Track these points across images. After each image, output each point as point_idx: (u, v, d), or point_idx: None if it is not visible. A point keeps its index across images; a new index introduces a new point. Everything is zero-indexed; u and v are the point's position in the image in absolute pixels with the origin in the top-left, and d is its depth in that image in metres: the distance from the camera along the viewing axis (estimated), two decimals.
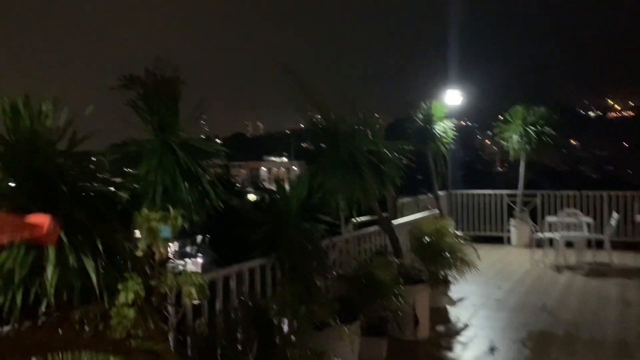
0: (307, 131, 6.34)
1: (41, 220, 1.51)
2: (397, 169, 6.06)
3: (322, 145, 5.96)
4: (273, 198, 4.59)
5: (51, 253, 2.65)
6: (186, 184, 4.02)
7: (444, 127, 10.31)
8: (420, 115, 10.27)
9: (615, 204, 10.74)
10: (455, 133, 10.61)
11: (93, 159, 3.78)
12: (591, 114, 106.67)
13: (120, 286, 2.64)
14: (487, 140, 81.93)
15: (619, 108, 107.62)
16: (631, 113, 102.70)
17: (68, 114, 3.03)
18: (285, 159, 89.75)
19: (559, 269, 9.26)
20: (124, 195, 3.03)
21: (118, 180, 3.34)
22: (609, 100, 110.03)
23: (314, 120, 6.21)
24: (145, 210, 2.64)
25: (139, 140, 4.13)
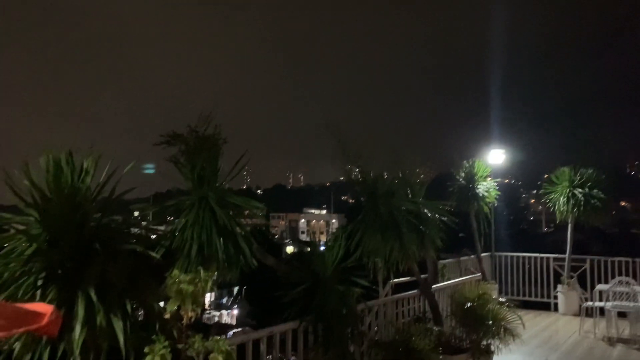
0: (346, 186, 6.30)
1: (43, 309, 1.41)
2: (437, 229, 5.89)
3: (362, 199, 5.89)
4: (308, 258, 4.48)
5: (80, 310, 2.62)
6: (221, 241, 3.99)
7: (486, 187, 10.09)
8: (463, 174, 10.10)
9: None
10: (499, 192, 10.34)
11: (138, 206, 3.80)
12: None
13: (147, 349, 2.56)
14: (532, 200, 79.89)
15: None
16: None
17: (110, 168, 3.07)
18: (324, 212, 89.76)
19: (611, 341, 8.63)
20: (155, 255, 3.00)
21: (153, 237, 3.32)
22: None
23: (353, 177, 6.16)
24: (175, 272, 2.59)
25: (179, 194, 4.17)
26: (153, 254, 2.95)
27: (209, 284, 2.61)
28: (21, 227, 2.84)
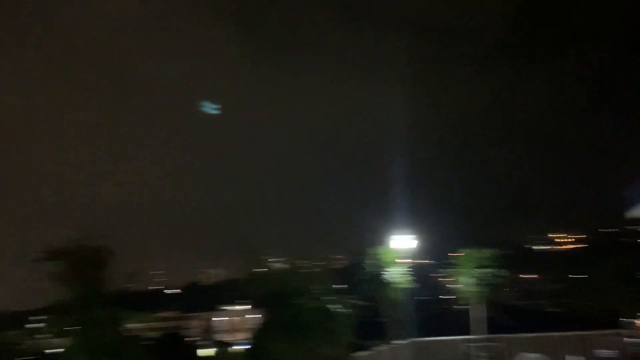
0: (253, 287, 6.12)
1: None
2: (346, 325, 5.80)
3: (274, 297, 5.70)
4: None
5: None
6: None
7: (397, 271, 10.23)
8: (371, 262, 10.21)
9: (574, 344, 10.48)
10: (410, 277, 10.51)
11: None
12: (536, 248, 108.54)
13: None
14: (446, 278, 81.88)
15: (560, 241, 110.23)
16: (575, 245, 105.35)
17: None
18: (246, 307, 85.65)
19: None
20: None
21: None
22: (550, 235, 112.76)
23: (258, 277, 6.02)
24: None
25: (57, 315, 3.81)
26: None
27: None
28: None
